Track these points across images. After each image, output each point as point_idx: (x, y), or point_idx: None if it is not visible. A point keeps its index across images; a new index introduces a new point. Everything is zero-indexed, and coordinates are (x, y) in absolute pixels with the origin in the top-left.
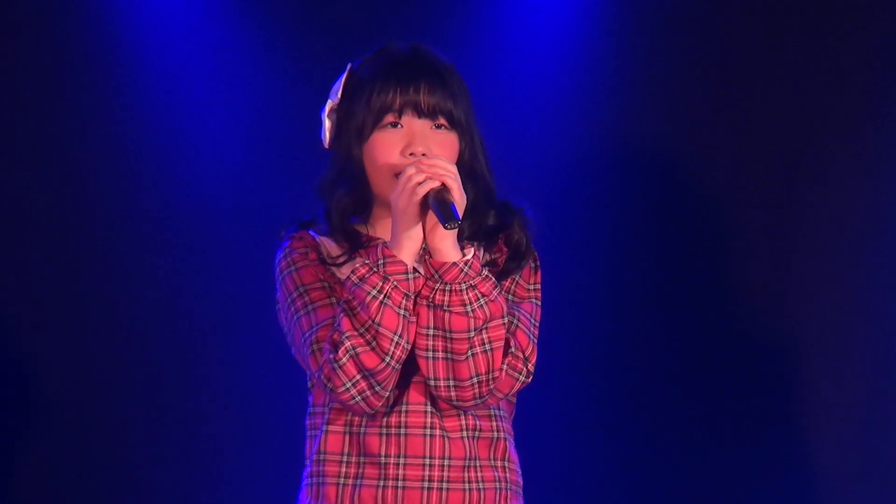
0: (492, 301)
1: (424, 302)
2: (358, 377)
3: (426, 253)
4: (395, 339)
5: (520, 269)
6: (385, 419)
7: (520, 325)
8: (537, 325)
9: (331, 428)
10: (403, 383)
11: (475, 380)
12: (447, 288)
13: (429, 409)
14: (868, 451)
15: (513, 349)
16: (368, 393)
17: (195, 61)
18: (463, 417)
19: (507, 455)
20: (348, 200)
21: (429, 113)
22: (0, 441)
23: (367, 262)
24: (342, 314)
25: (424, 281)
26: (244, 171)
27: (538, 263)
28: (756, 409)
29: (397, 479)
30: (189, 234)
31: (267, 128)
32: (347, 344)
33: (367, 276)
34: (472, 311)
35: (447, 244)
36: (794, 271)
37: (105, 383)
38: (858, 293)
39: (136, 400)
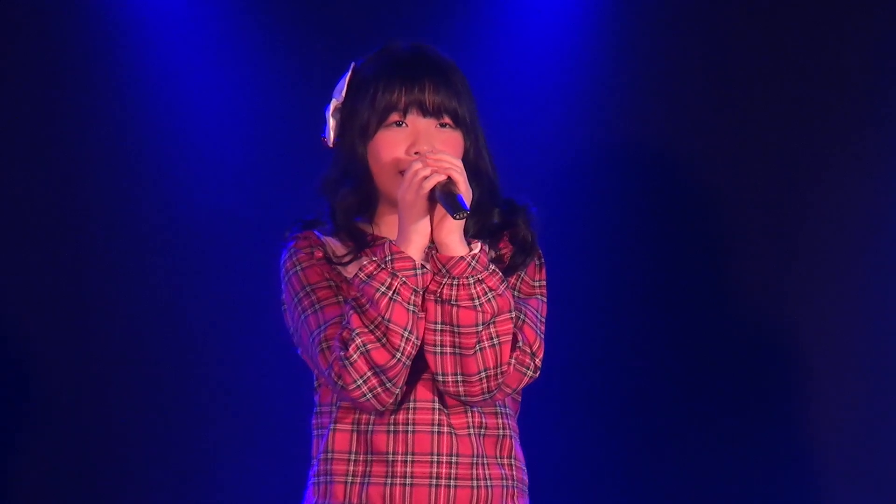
0: (499, 295)
1: (432, 297)
2: (369, 374)
3: (433, 248)
4: (406, 334)
5: (525, 266)
6: (392, 417)
7: (527, 320)
8: (544, 321)
9: (338, 426)
10: (411, 380)
11: (483, 374)
12: (455, 282)
13: (436, 406)
14: (870, 451)
15: (520, 344)
16: (379, 389)
17: (195, 61)
18: (469, 414)
19: (513, 453)
20: (353, 199)
21: (433, 112)
22: (1, 441)
23: (374, 258)
24: (351, 311)
25: (432, 276)
26: (244, 171)
27: (543, 260)
28: (761, 408)
29: (405, 477)
30: (190, 234)
31: (267, 128)
32: (358, 341)
33: (375, 272)
34: (480, 304)
35: (454, 238)
36: (794, 271)
37: (109, 385)
38: (859, 293)
39: (140, 401)
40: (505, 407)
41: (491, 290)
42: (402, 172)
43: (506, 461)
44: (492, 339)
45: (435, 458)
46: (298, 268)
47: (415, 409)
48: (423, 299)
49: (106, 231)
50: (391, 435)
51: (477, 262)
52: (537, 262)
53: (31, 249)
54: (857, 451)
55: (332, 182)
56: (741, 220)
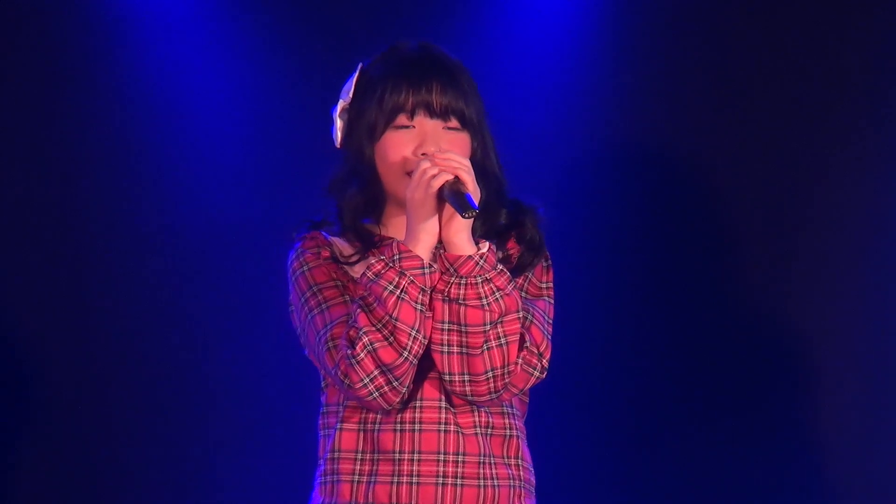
0: (507, 295)
1: (439, 296)
2: (376, 373)
3: (440, 247)
4: (413, 333)
5: (532, 267)
6: (399, 415)
7: (534, 321)
8: (551, 322)
9: (345, 426)
10: (418, 379)
11: (490, 374)
12: (462, 281)
13: (443, 404)
14: (873, 451)
15: (527, 344)
16: (386, 388)
17: (195, 61)
18: (476, 414)
19: (520, 453)
20: (360, 199)
21: (441, 113)
22: (1, 441)
23: (382, 257)
24: (358, 310)
25: (439, 275)
26: (244, 171)
27: (550, 262)
28: (772, 411)
29: (411, 476)
30: (191, 235)
31: (268, 127)
32: (365, 339)
33: (382, 271)
34: (488, 304)
35: (462, 237)
36: (795, 270)
37: (111, 386)
38: (860, 293)
39: (147, 402)
40: (512, 407)
41: (499, 289)
42: (409, 173)
43: (513, 461)
44: (499, 338)
45: (441, 457)
46: (305, 268)
47: (421, 407)
48: (431, 298)
49: (106, 231)
50: (398, 433)
51: (485, 261)
52: (545, 264)
53: (31, 249)
54: (860, 451)
55: (340, 182)
56: (742, 219)
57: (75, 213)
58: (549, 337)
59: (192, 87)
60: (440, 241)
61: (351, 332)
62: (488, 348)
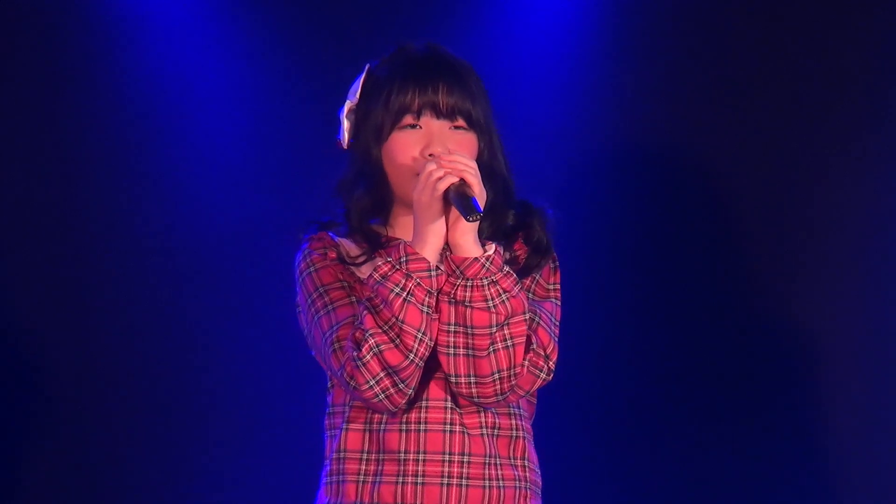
0: (513, 297)
1: (446, 298)
2: (381, 374)
3: (447, 249)
4: (419, 335)
5: (540, 268)
6: (405, 416)
7: (541, 322)
8: (558, 324)
9: (351, 426)
10: (424, 379)
11: (496, 376)
12: (469, 283)
13: (449, 405)
14: (874, 452)
15: (534, 346)
16: (392, 390)
17: (196, 61)
18: (482, 415)
19: (526, 454)
20: (367, 200)
21: (447, 114)
22: (2, 441)
23: (389, 259)
24: (365, 312)
25: (446, 277)
26: (245, 171)
27: (557, 263)
28: (778, 410)
29: (416, 476)
30: (192, 235)
31: (268, 127)
32: (371, 341)
33: (389, 273)
34: (494, 306)
35: (468, 239)
36: (796, 270)
37: (115, 387)
38: (860, 293)
39: (150, 404)
40: (519, 408)
41: (505, 291)
42: (416, 175)
43: (519, 462)
44: (505, 340)
45: (447, 458)
46: (312, 269)
47: (427, 407)
48: (437, 300)
49: (106, 231)
50: (403, 434)
51: (491, 263)
52: (552, 266)
53: (31, 249)
54: (861, 451)
55: (347, 184)
56: (742, 219)
57: (75, 213)
58: (556, 339)
59: (192, 88)
60: (447, 243)
61: (357, 334)
62: (494, 350)
